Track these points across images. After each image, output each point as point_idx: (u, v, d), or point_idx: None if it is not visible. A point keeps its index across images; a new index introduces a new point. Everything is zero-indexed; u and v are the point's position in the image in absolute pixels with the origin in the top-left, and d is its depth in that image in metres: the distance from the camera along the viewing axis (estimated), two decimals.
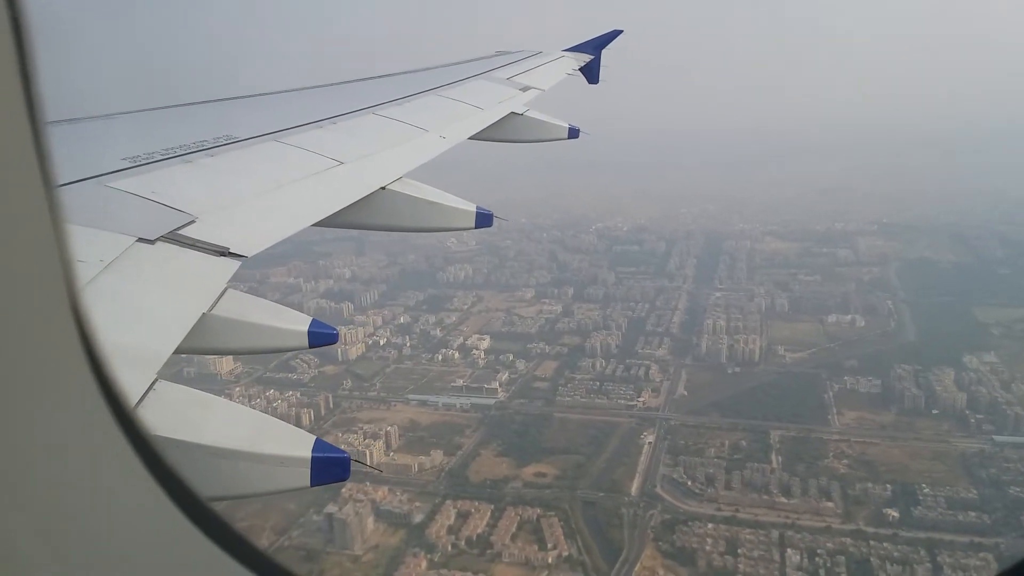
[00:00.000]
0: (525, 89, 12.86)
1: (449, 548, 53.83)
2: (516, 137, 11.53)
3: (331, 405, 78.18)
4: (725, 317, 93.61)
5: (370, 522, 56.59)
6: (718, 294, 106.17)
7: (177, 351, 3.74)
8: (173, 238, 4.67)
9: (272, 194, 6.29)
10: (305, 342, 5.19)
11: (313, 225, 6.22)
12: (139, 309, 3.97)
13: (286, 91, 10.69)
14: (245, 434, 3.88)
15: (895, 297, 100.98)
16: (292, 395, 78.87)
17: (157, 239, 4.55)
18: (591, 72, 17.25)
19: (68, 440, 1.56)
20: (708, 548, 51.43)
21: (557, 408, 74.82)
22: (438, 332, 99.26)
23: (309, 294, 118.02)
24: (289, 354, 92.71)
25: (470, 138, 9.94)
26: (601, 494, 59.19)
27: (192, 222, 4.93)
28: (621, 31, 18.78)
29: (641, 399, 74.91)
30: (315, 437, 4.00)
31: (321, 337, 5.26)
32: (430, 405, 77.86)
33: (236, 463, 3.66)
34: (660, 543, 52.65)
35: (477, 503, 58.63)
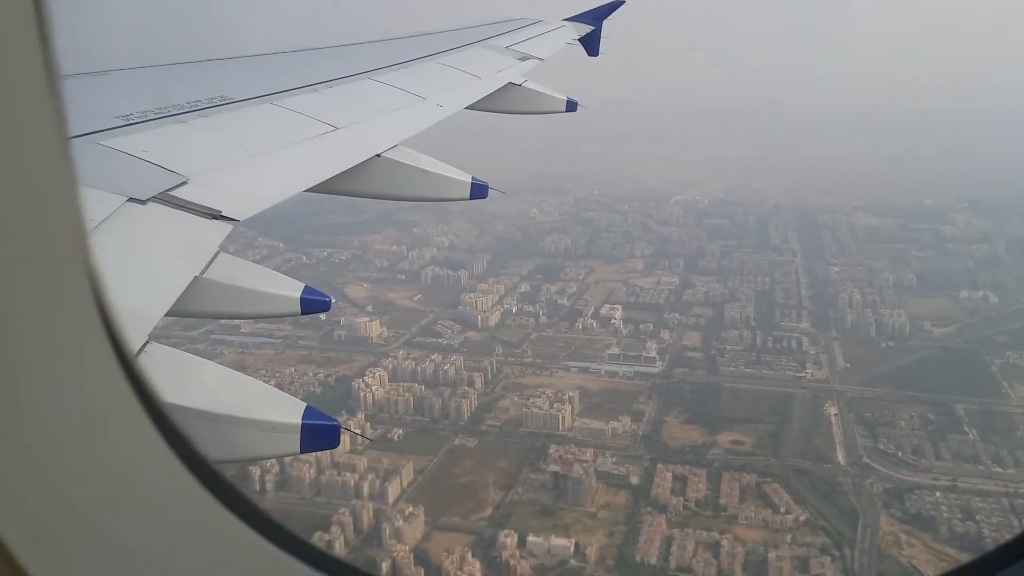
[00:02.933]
0: (524, 59, 12.66)
1: (681, 509, 55.48)
2: (513, 108, 11.39)
3: (494, 370, 79.51)
4: (859, 292, 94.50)
5: (593, 482, 58.20)
6: (836, 268, 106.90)
7: (168, 314, 3.75)
8: (165, 199, 4.63)
9: (266, 157, 6.27)
10: (298, 308, 5.17)
11: (306, 191, 6.22)
12: (130, 270, 3.90)
13: (282, 53, 10.56)
14: (235, 399, 3.90)
15: (1013, 274, 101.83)
16: (457, 359, 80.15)
17: (148, 200, 4.51)
18: (591, 43, 16.79)
19: (76, 392, 1.58)
20: (945, 515, 53.10)
21: (723, 378, 76.13)
22: (565, 301, 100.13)
23: (416, 262, 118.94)
24: (428, 319, 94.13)
25: (467, 108, 9.84)
26: (809, 463, 60.70)
27: (184, 183, 4.88)
28: (623, 1, 17.82)
29: (808, 371, 76.22)
30: (306, 404, 4.04)
31: (313, 304, 5.26)
32: (592, 372, 79.20)
33: (226, 427, 3.68)
34: (892, 510, 54.32)
35: (688, 467, 60.17)
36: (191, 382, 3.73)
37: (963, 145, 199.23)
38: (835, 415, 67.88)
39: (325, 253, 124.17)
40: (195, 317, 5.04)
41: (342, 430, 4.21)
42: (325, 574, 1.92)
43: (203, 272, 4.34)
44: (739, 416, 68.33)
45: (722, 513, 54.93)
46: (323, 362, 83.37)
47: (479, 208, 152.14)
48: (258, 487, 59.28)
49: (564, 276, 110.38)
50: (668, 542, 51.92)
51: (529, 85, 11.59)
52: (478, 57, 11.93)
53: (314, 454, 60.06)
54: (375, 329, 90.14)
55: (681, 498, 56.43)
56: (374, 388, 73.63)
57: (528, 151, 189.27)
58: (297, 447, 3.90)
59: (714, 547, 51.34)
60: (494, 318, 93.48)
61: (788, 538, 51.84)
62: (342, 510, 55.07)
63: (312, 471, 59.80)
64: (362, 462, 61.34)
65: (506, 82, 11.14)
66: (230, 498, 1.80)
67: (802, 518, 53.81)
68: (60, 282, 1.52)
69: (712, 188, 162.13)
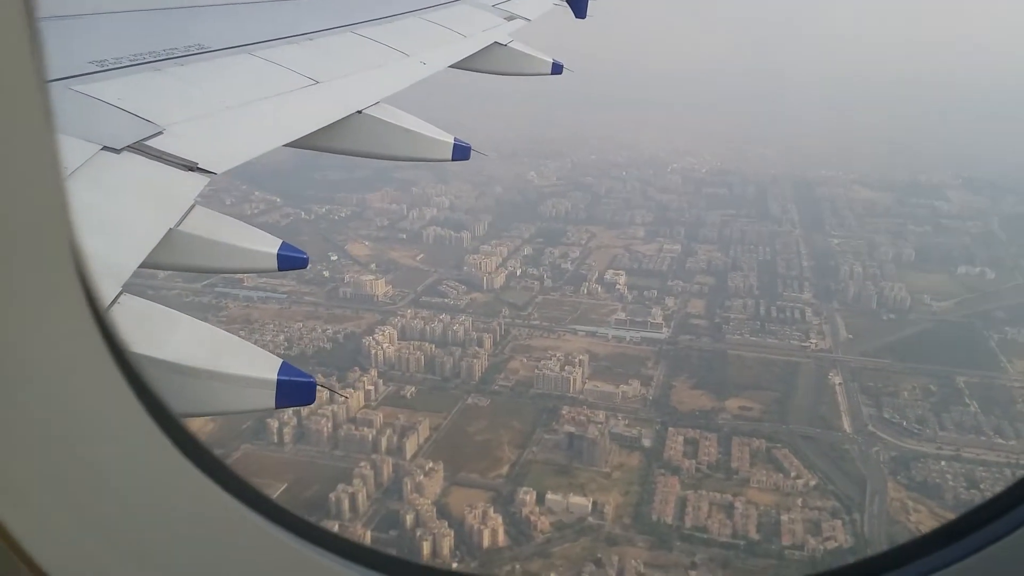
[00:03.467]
0: (510, 18, 12.44)
1: (694, 471, 56.80)
2: (498, 69, 11.18)
3: (503, 332, 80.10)
4: (860, 265, 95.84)
5: (607, 443, 59.34)
6: (836, 240, 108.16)
7: (142, 266, 3.73)
8: (140, 149, 4.56)
9: (244, 109, 6.14)
10: (274, 264, 5.22)
11: (285, 146, 6.16)
12: (103, 220, 3.84)
13: (262, 1, 10.35)
14: (210, 353, 3.89)
15: (1009, 251, 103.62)
16: (465, 320, 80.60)
17: (123, 149, 4.44)
18: (578, 5, 16.19)
19: (46, 343, 1.58)
20: (951, 483, 54.89)
21: (728, 345, 77.27)
22: (569, 266, 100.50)
23: (416, 221, 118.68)
24: (433, 279, 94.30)
25: (451, 67, 9.70)
26: (817, 430, 62.18)
27: (160, 133, 4.81)
28: None
29: (812, 341, 77.60)
30: (281, 360, 4.06)
31: (290, 260, 5.26)
32: (599, 336, 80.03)
33: (200, 381, 3.69)
34: (898, 477, 56.00)
35: (699, 432, 61.42)
36: (166, 335, 3.72)
37: (956, 121, 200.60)
38: (839, 384, 69.37)
39: (324, 209, 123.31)
40: (170, 270, 5.16)
41: (318, 387, 4.23)
42: (286, 529, 1.92)
43: (178, 224, 4.30)
44: (746, 383, 69.61)
45: (734, 476, 56.32)
46: (330, 318, 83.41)
47: (477, 169, 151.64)
48: (275, 439, 59.81)
49: (566, 240, 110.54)
50: (682, 503, 53.25)
51: (515, 46, 11.36)
52: (463, 14, 11.72)
53: (331, 409, 60.64)
54: (381, 287, 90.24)
55: (694, 461, 57.73)
56: (384, 346, 73.97)
57: (520, 113, 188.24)
58: (272, 402, 3.91)
59: (728, 508, 52.73)
60: (499, 280, 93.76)
61: (799, 502, 53.35)
62: (363, 463, 55.71)
63: (329, 425, 60.32)
64: (378, 417, 61.97)
65: (491, 41, 10.93)
66: (192, 449, 1.79)
67: (812, 483, 55.34)
68: (34, 232, 1.50)
69: (708, 157, 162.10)
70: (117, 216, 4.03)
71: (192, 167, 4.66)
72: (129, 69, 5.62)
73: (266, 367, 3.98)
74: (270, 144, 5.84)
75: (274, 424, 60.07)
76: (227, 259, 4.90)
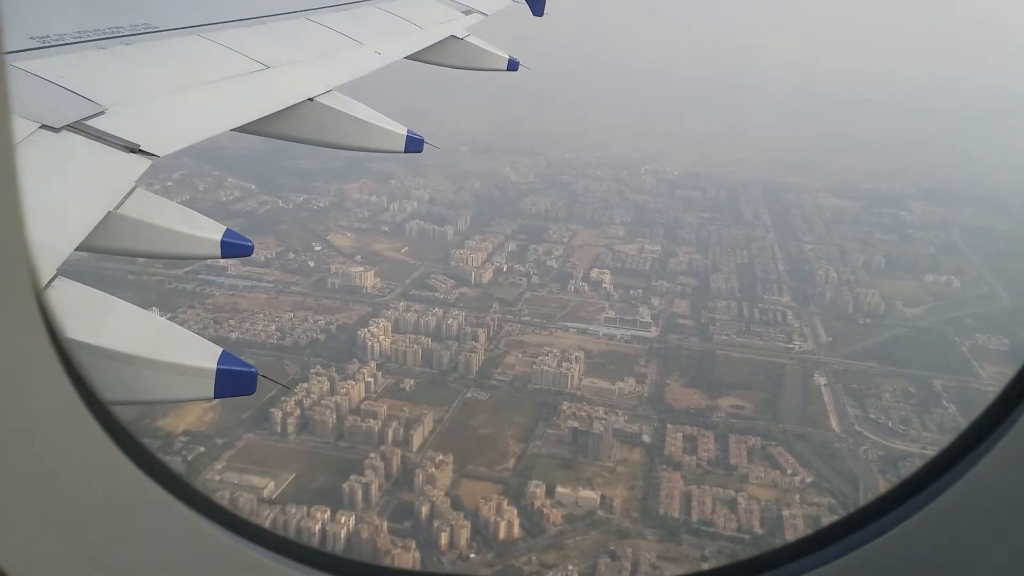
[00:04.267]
0: (468, 12, 12.40)
1: (695, 466, 58.51)
2: (453, 62, 11.17)
3: (495, 327, 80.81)
4: (835, 270, 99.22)
5: (610, 438, 60.65)
6: (808, 246, 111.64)
7: (79, 248, 3.64)
8: (80, 128, 4.43)
9: (191, 92, 6.05)
10: (217, 251, 5.12)
11: (232, 131, 6.04)
12: (40, 201, 3.62)
13: None
14: (147, 340, 3.83)
15: (971, 262, 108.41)
16: (459, 314, 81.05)
17: (62, 128, 4.33)
18: (536, 2, 16.23)
19: None
20: None
21: (716, 346, 79.39)
22: (553, 263, 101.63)
23: (397, 214, 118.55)
24: (420, 272, 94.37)
25: (406, 58, 9.67)
26: (808, 429, 64.56)
27: (101, 113, 4.70)
28: None
29: (795, 343, 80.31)
30: (221, 349, 4.01)
31: (234, 248, 5.18)
32: (590, 334, 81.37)
33: (136, 368, 3.61)
34: (887, 475, 58.57)
35: (696, 428, 63.18)
36: (102, 320, 3.65)
37: (914, 133, 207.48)
38: (824, 385, 72.02)
39: (301, 199, 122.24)
40: (107, 253, 4.92)
41: (259, 376, 4.17)
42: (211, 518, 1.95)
43: (118, 207, 4.22)
44: (736, 382, 71.73)
45: (734, 472, 58.17)
46: (319, 309, 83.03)
47: (451, 163, 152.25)
48: (279, 429, 59.56)
49: (548, 238, 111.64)
50: (687, 497, 54.86)
51: (471, 40, 11.32)
52: (420, 5, 11.63)
53: (334, 401, 60.62)
54: (369, 279, 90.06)
55: (694, 457, 59.41)
56: (380, 338, 74.03)
57: (486, 108, 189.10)
58: (211, 392, 3.88)
59: (731, 503, 54.55)
60: (487, 275, 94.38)
61: (797, 498, 55.49)
62: (373, 455, 55.96)
63: (334, 417, 60.33)
64: (382, 409, 62.17)
65: (448, 35, 10.88)
66: (120, 434, 1.79)
67: (808, 480, 57.56)
68: None
69: (679, 160, 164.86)
70: (54, 197, 3.86)
71: (134, 149, 4.53)
72: (72, 46, 5.42)
73: (205, 355, 3.92)
74: (217, 128, 5.71)
75: (278, 414, 59.80)
76: (168, 244, 4.77)
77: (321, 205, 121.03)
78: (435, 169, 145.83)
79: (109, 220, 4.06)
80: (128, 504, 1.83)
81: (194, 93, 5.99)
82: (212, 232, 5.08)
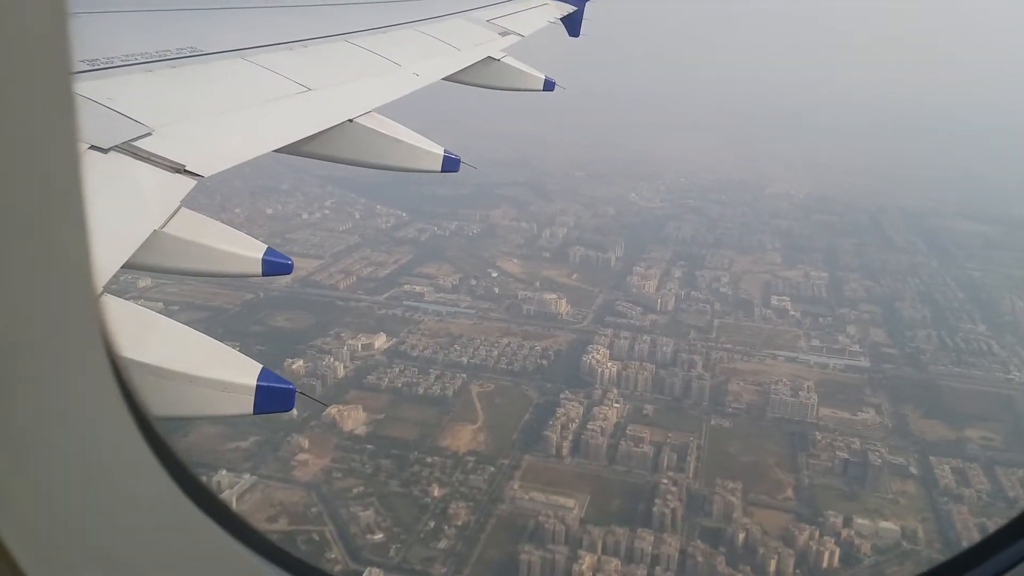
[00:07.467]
0: (504, 34, 12.53)
1: (975, 498, 58.29)
2: (490, 83, 11.23)
3: (704, 355, 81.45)
4: (1020, 299, 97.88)
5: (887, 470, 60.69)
6: (976, 273, 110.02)
7: (125, 266, 3.71)
8: (127, 149, 4.53)
9: (235, 114, 6.15)
10: (258, 270, 5.18)
11: (276, 151, 6.19)
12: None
13: (257, 7, 10.33)
14: (190, 357, 3.92)
15: None
16: (668, 341, 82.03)
17: (110, 148, 4.42)
18: (573, 24, 16.55)
19: (51, 358, 1.55)
20: None
21: (935, 376, 78.76)
22: (727, 290, 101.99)
23: (552, 239, 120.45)
24: (601, 299, 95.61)
25: (443, 79, 9.76)
26: None
27: (148, 134, 4.79)
28: None
29: (1014, 373, 79.55)
30: (261, 366, 4.06)
31: (275, 266, 5.25)
32: (801, 362, 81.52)
33: (179, 385, 3.70)
34: None
35: (957, 460, 62.88)
36: (146, 338, 3.78)
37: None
38: None
39: (454, 226, 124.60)
40: (153, 272, 5.05)
41: (297, 394, 4.29)
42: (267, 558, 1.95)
43: (163, 226, 4.34)
44: (973, 413, 71.06)
45: (1016, 504, 57.74)
46: (525, 335, 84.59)
47: (572, 188, 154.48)
48: (554, 451, 61.09)
49: (707, 264, 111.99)
50: (984, 530, 54.62)
51: (508, 61, 11.47)
52: (458, 28, 11.82)
53: (599, 425, 61.83)
54: (563, 306, 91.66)
55: (970, 489, 59.16)
56: (608, 365, 75.27)
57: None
58: (250, 408, 3.98)
59: None
60: (670, 302, 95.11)
61: None
62: (664, 481, 57.04)
63: (604, 441, 61.70)
64: (647, 434, 63.35)
65: (485, 56, 11.03)
66: (167, 458, 1.81)
67: None
68: (49, 230, 1.50)
69: (797, 183, 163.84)
70: (101, 216, 3.86)
71: (180, 169, 4.64)
72: (120, 69, 5.60)
73: (245, 372, 4.04)
74: (260, 149, 5.90)
75: (553, 437, 61.36)
76: (212, 262, 4.92)
77: (474, 232, 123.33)
78: (561, 195, 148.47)
79: (154, 238, 4.20)
80: (161, 519, 1.85)
81: (238, 115, 6.15)
82: (254, 251, 5.23)
